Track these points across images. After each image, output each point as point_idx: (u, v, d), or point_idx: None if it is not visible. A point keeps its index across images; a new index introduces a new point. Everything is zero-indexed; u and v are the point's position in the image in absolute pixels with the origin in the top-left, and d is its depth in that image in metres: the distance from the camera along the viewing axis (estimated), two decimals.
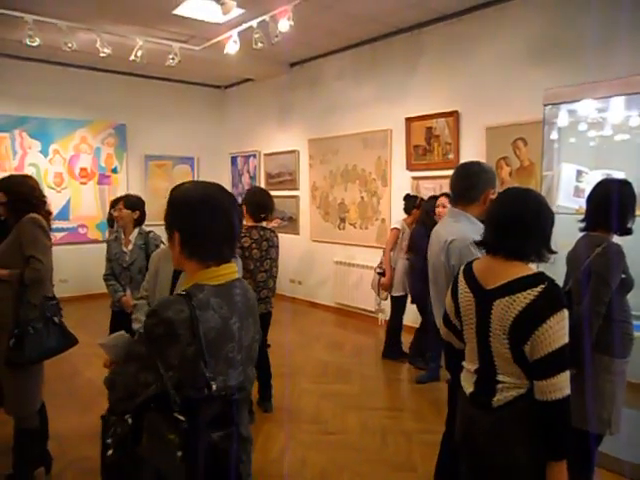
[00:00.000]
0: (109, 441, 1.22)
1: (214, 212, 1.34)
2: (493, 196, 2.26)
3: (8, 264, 2.71)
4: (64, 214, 7.41)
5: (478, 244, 1.81)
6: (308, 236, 7.56)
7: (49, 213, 3.03)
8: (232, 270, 1.39)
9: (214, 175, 8.66)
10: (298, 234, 7.73)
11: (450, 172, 2.51)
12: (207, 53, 6.70)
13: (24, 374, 2.71)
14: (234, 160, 8.96)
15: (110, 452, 1.21)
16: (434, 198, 4.68)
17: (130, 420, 1.21)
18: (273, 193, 7.89)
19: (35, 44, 5.57)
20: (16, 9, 5.36)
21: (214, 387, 1.22)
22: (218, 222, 1.34)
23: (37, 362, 2.75)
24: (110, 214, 3.94)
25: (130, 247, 3.73)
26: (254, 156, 8.49)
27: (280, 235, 7.25)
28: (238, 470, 1.28)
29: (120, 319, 3.66)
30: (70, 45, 5.77)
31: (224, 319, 1.30)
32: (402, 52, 6.12)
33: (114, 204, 3.83)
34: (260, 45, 5.61)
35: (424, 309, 4.51)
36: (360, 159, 6.68)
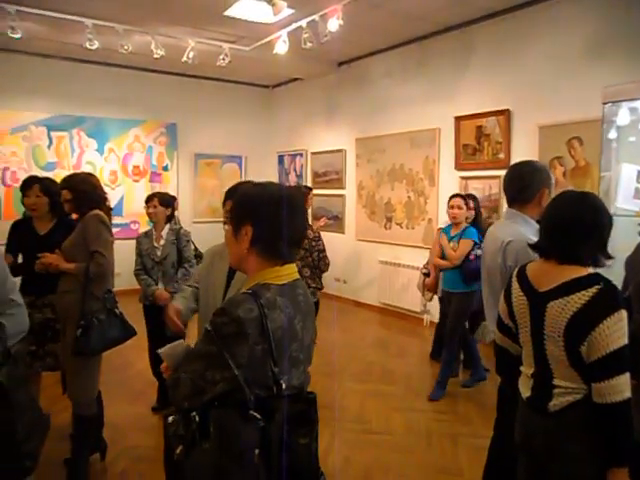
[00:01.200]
0: (175, 439, 1.22)
1: (292, 212, 1.33)
2: (549, 196, 2.21)
3: (74, 258, 2.84)
4: (118, 210, 7.68)
5: (532, 247, 1.78)
6: (353, 235, 7.55)
7: (110, 209, 3.16)
8: (294, 270, 1.40)
9: (261, 174, 8.78)
10: (343, 233, 7.73)
11: (500, 172, 2.47)
12: (256, 53, 6.79)
13: (87, 363, 2.83)
14: (281, 159, 9.06)
15: (179, 449, 1.20)
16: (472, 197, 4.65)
17: (197, 418, 1.21)
18: (319, 192, 8.02)
19: (94, 47, 5.79)
20: (76, 14, 5.59)
21: (284, 386, 1.23)
22: (293, 222, 1.34)
23: (100, 352, 2.86)
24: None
25: (162, 242, 3.85)
26: (301, 155, 8.55)
27: (325, 234, 7.29)
28: (318, 467, 1.27)
29: (152, 313, 3.79)
30: (126, 47, 5.97)
31: (289, 319, 1.30)
32: (451, 50, 6.02)
33: (148, 201, 3.93)
34: (309, 45, 5.64)
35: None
36: (407, 158, 6.62)
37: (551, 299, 1.60)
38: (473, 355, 4.48)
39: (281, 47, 6.00)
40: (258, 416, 1.18)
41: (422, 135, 6.38)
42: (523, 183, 2.27)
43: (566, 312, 1.55)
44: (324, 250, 4.30)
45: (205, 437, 1.19)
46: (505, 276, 2.05)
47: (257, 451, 1.15)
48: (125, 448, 3.30)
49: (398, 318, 6.62)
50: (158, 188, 8.07)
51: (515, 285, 1.76)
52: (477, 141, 5.74)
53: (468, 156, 5.85)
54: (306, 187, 5.43)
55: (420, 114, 6.41)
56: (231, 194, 2.07)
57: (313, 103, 8.30)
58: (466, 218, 4.41)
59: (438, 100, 6.20)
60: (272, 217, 1.33)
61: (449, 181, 6.04)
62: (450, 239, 4.32)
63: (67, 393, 2.95)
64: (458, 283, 4.20)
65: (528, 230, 2.13)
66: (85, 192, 2.97)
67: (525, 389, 1.73)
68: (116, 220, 7.34)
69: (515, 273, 1.80)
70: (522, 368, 1.78)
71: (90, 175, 3.23)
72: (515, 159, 4.87)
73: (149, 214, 3.90)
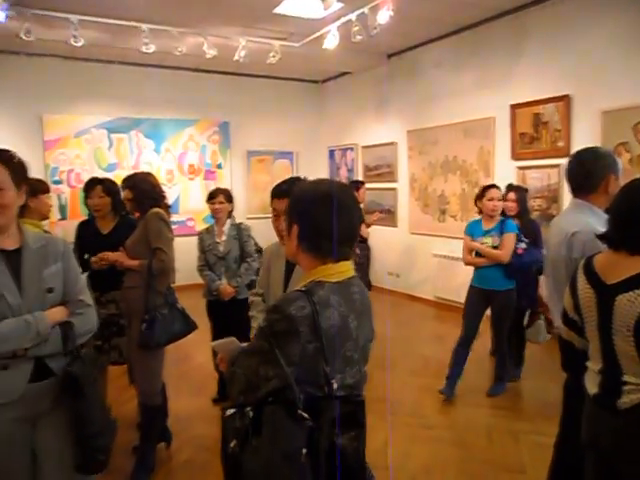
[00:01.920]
0: (231, 432, 1.23)
1: (340, 210, 1.32)
2: (617, 183, 2.11)
3: (138, 255, 2.96)
4: (174, 208, 7.85)
5: (600, 237, 1.70)
6: (407, 228, 7.48)
7: (168, 207, 3.26)
8: (349, 267, 1.39)
9: (312, 169, 8.82)
10: (396, 226, 7.67)
11: (559, 161, 2.38)
12: (306, 49, 6.82)
13: (151, 355, 2.94)
14: (332, 154, 9.06)
15: (233, 444, 1.21)
16: (514, 189, 4.39)
17: (251, 413, 1.21)
18: (371, 186, 7.98)
19: (150, 51, 5.98)
20: (133, 19, 5.79)
21: (335, 385, 1.22)
22: (341, 220, 1.32)
23: (164, 345, 2.97)
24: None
25: (224, 238, 3.90)
26: (352, 149, 8.53)
27: (378, 228, 7.25)
28: (365, 467, 1.26)
29: (216, 308, 3.86)
30: (180, 49, 6.14)
31: (343, 317, 1.30)
32: (505, 36, 5.84)
33: (210, 198, 3.98)
34: (359, 38, 5.61)
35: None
36: (461, 149, 6.48)
37: (620, 292, 1.53)
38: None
39: (331, 42, 6.00)
40: (306, 416, 1.17)
41: (476, 125, 6.22)
42: (585, 171, 2.18)
43: (636, 306, 1.48)
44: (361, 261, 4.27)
45: (257, 433, 1.18)
46: (570, 269, 1.98)
47: (305, 451, 1.14)
48: (189, 438, 3.41)
49: (454, 312, 6.49)
50: (212, 186, 8.23)
51: (581, 277, 1.70)
52: (534, 129, 5.54)
53: (525, 145, 5.66)
54: (358, 182, 5.41)
55: (474, 103, 6.25)
56: (278, 193, 2.07)
57: (363, 96, 8.25)
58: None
59: (492, 88, 6.03)
60: (315, 216, 1.33)
61: (505, 171, 5.87)
62: (484, 233, 3.99)
63: (134, 384, 3.08)
64: (500, 280, 3.93)
65: (595, 220, 2.04)
66: (145, 191, 3.07)
67: (592, 386, 1.67)
68: (172, 218, 7.61)
69: (581, 265, 1.73)
70: (589, 364, 1.71)
71: (148, 174, 3.34)
72: (576, 147, 4.66)
73: (214, 210, 3.90)
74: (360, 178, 8.36)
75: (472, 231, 4.07)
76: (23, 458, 1.74)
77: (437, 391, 4.01)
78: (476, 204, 4.14)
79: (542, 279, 3.33)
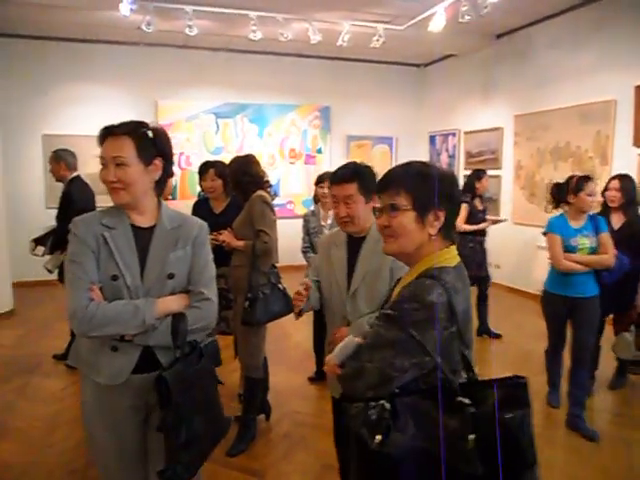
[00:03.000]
0: (367, 428, 1.16)
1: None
2: None
3: (244, 236, 3.09)
4: (275, 191, 8.17)
5: None
6: (510, 218, 7.14)
7: (269, 186, 3.33)
8: (456, 251, 1.37)
9: (412, 154, 8.66)
10: (499, 216, 7.35)
11: None
12: (410, 32, 6.68)
13: (253, 332, 3.08)
14: (433, 139, 8.85)
15: (378, 438, 1.14)
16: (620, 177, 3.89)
17: (387, 405, 1.17)
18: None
19: (257, 38, 6.17)
20: (242, 8, 5.98)
21: (476, 369, 1.22)
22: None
23: (264, 324, 3.09)
24: (316, 190, 4.16)
25: (328, 221, 3.94)
26: (453, 135, 8.27)
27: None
28: (534, 453, 1.19)
29: None
30: (285, 36, 6.26)
31: (467, 300, 1.29)
32: (632, 9, 5.32)
33: (319, 181, 4.02)
34: (467, 18, 5.41)
35: None
36: (574, 135, 6.05)
37: None
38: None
39: (437, 23, 5.83)
40: (467, 401, 1.14)
41: (593, 108, 5.77)
42: None
43: None
44: None
45: (399, 424, 1.15)
46: None
47: (472, 436, 1.11)
48: (286, 412, 3.54)
49: None
50: (312, 170, 8.39)
51: None
52: None
53: None
54: (480, 170, 5.23)
55: (591, 85, 5.80)
56: (340, 179, 2.00)
57: (468, 80, 7.95)
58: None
59: (614, 68, 5.55)
60: (455, 199, 1.34)
61: (625, 159, 5.40)
62: (575, 233, 3.34)
63: (238, 357, 3.24)
64: (591, 286, 3.34)
65: None
66: (248, 174, 3.16)
67: None
68: (274, 201, 7.92)
69: None
70: None
71: (250, 157, 3.37)
72: None
73: (322, 194, 3.93)
74: (462, 164, 8.11)
75: (562, 230, 3.38)
76: (134, 446, 1.73)
77: (541, 388, 3.80)
78: (566, 198, 3.40)
79: None
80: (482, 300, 5.10)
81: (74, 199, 4.11)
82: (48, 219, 4.58)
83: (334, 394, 1.96)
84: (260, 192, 3.13)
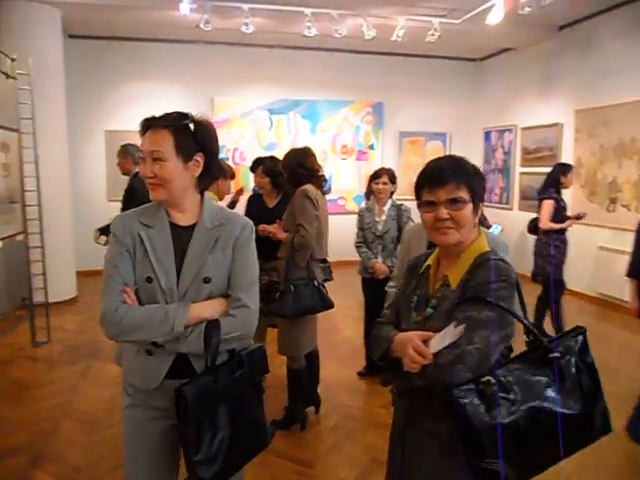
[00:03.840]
0: (481, 407, 1.22)
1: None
2: None
3: (288, 229, 3.14)
4: (329, 187, 8.23)
5: None
6: None
7: (321, 181, 3.30)
8: None
9: (466, 151, 8.43)
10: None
11: None
12: (466, 25, 6.55)
13: (292, 324, 3.12)
14: (488, 135, 8.65)
15: (498, 412, 1.21)
16: None
17: (493, 380, 1.24)
18: (528, 170, 7.49)
19: (311, 34, 6.21)
20: (297, 4, 6.04)
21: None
22: None
23: (292, 317, 3.09)
24: (369, 186, 4.16)
25: (383, 217, 3.93)
26: (510, 130, 8.05)
27: (532, 215, 6.77)
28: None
29: (370, 285, 3.91)
30: (340, 32, 6.28)
31: None
32: None
33: (375, 177, 4.02)
34: (527, 10, 5.26)
35: None
36: None
37: None
38: None
39: (495, 16, 5.70)
40: (557, 354, 1.30)
41: None
42: None
43: None
44: None
45: (508, 394, 1.25)
46: None
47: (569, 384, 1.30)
48: (336, 405, 3.58)
49: (619, 311, 5.89)
50: (364, 166, 8.40)
51: None
52: None
53: None
54: (566, 165, 5.07)
55: None
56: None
57: (526, 74, 7.71)
58: None
59: None
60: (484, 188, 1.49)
61: None
62: None
63: (277, 348, 3.27)
64: None
65: None
66: (293, 168, 3.18)
67: None
68: (326, 195, 7.97)
69: None
70: None
71: (302, 150, 3.36)
72: None
73: (378, 190, 3.93)
74: (518, 161, 7.90)
75: None
76: (164, 448, 1.63)
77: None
78: None
79: None
80: (548, 302, 4.81)
81: (137, 193, 4.28)
82: (110, 211, 4.78)
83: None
84: (306, 186, 3.13)
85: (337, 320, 5.17)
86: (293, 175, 3.21)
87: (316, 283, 3.13)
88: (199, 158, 1.56)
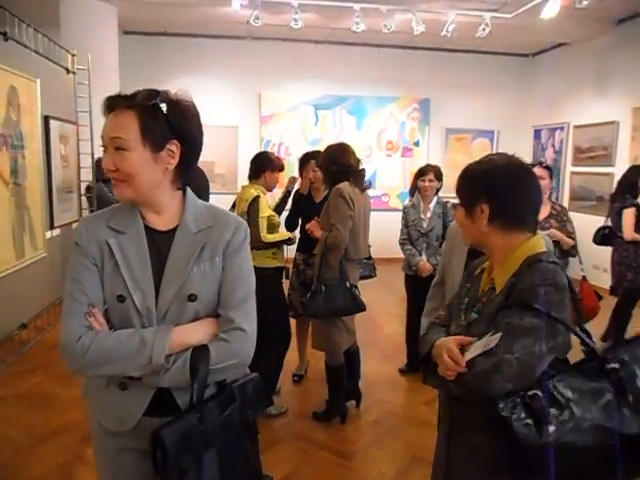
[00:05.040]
0: (530, 421, 1.13)
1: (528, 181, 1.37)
2: None
3: (325, 227, 3.13)
4: (370, 182, 8.20)
5: None
6: None
7: (360, 177, 3.21)
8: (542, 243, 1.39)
9: (514, 149, 8.16)
10: (608, 216, 6.86)
11: None
12: (519, 20, 6.38)
13: (325, 321, 3.13)
14: (537, 133, 8.41)
15: (552, 429, 1.11)
16: None
17: (541, 394, 1.14)
18: (579, 169, 7.25)
19: (359, 30, 6.19)
20: (346, 0, 6.03)
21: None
22: (531, 191, 1.37)
23: (321, 317, 3.09)
24: (414, 183, 4.13)
25: (429, 215, 3.89)
26: (561, 128, 7.81)
27: (586, 216, 6.59)
28: None
29: (414, 282, 3.88)
30: (388, 27, 6.23)
31: None
32: None
33: (421, 174, 3.98)
34: (585, 3, 5.08)
35: None
36: None
37: None
38: None
39: (550, 10, 5.53)
40: (616, 366, 1.17)
41: None
42: None
43: None
44: None
45: (561, 409, 1.14)
46: None
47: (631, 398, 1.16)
48: (377, 401, 3.58)
49: None
50: (409, 163, 8.33)
51: None
52: None
53: None
54: None
55: None
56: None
57: (581, 70, 7.45)
58: None
59: None
60: (510, 189, 1.33)
61: None
62: None
63: (313, 343, 3.29)
64: None
65: None
66: (330, 165, 3.14)
67: None
68: (368, 192, 7.95)
69: None
70: None
71: (338, 147, 3.27)
72: None
73: (424, 187, 3.89)
74: (569, 160, 7.67)
75: None
76: None
77: None
78: None
79: None
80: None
81: (102, 197, 4.35)
82: None
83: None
84: (341, 185, 3.07)
85: (379, 316, 5.16)
86: (328, 173, 3.20)
87: (348, 284, 3.08)
88: (173, 147, 1.25)
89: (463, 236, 1.47)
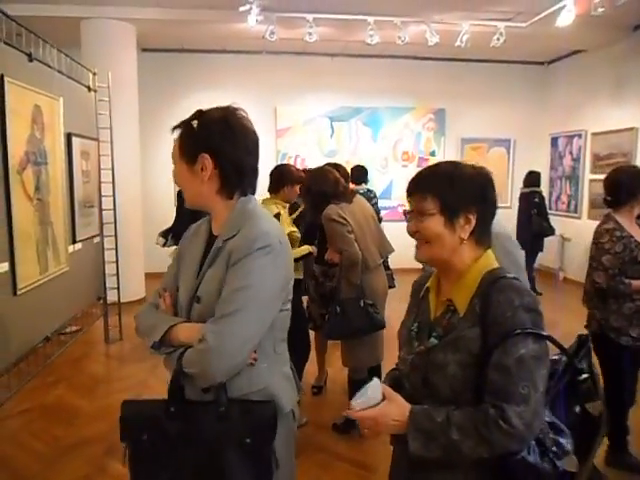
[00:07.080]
0: (545, 458, 1.13)
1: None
2: None
3: (336, 250, 3.15)
4: (387, 193, 8.24)
5: None
6: None
7: (343, 191, 3.23)
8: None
9: (531, 157, 8.30)
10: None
11: None
12: (534, 28, 6.38)
13: (349, 340, 3.16)
14: (555, 141, 8.36)
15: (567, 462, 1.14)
16: None
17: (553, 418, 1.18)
18: (598, 177, 7.16)
19: (374, 42, 6.24)
20: (360, 13, 6.09)
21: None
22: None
23: (335, 339, 3.14)
24: None
25: None
26: (579, 136, 7.75)
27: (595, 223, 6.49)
28: None
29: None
30: (402, 39, 6.27)
31: None
32: None
33: None
34: (600, 10, 5.06)
35: None
36: None
37: None
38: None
39: (565, 18, 5.52)
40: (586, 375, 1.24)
41: None
42: None
43: None
44: None
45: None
46: None
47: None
48: None
49: None
50: None
51: None
52: None
53: None
54: None
55: None
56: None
57: (597, 77, 7.41)
58: None
59: None
60: (491, 199, 1.25)
61: None
62: None
63: (342, 358, 3.30)
64: None
65: None
66: (315, 192, 3.19)
67: None
68: (384, 203, 7.95)
69: None
70: None
71: (314, 173, 3.37)
72: None
73: None
74: (587, 168, 7.59)
75: None
76: None
77: None
78: None
79: None
80: None
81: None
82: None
83: None
84: (328, 209, 3.11)
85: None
86: (308, 200, 3.27)
87: (362, 303, 3.06)
88: (204, 160, 1.34)
89: (421, 252, 1.28)
